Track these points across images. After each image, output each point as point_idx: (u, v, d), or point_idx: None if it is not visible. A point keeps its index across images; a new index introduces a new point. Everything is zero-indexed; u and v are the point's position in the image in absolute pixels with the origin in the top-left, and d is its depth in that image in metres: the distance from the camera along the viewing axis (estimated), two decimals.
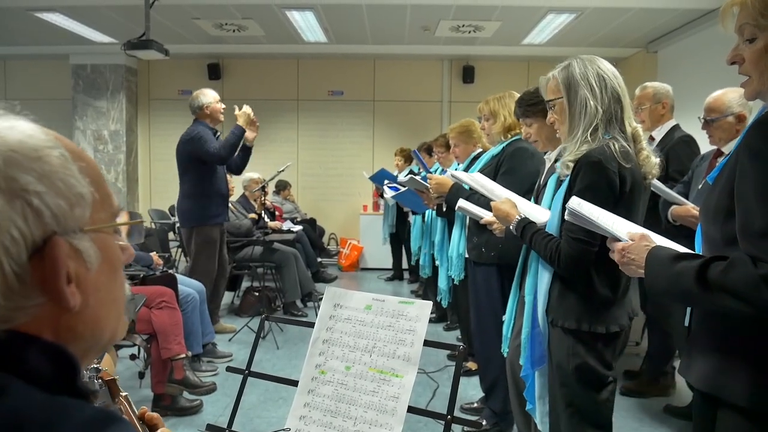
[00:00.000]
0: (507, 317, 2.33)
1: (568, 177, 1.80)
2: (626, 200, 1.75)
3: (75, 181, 0.60)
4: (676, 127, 3.38)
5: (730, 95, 2.79)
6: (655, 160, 1.82)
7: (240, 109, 4.35)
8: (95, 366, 0.97)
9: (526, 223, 1.94)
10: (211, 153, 4.22)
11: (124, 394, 0.94)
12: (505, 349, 2.37)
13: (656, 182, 2.78)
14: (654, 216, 2.91)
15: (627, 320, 1.83)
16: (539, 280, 1.88)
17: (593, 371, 1.79)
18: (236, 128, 4.29)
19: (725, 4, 1.22)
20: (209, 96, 4.39)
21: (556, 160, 2.25)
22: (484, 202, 2.59)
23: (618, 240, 1.41)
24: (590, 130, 1.78)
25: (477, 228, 2.67)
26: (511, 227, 1.99)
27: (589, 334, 1.77)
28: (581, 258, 1.73)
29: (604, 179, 1.71)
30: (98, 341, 0.64)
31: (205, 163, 4.30)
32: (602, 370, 1.80)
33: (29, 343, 0.56)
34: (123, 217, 0.70)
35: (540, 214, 1.99)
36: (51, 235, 0.57)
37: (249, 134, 4.40)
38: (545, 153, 2.41)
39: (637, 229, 1.43)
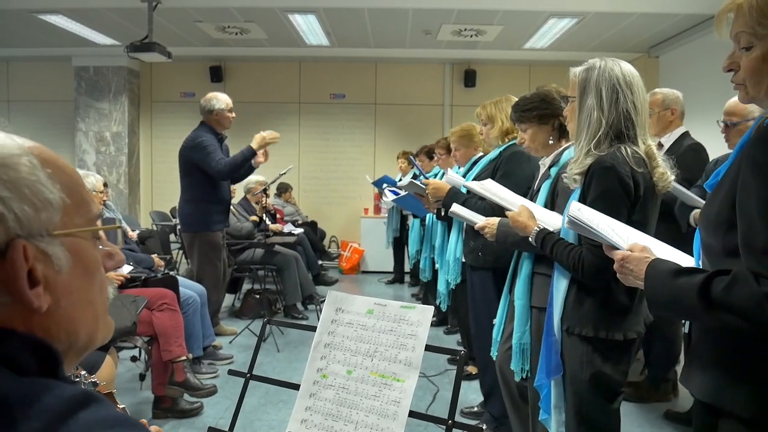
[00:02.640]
0: (497, 322, 2.33)
1: (579, 187, 1.77)
2: (641, 205, 1.73)
3: (43, 187, 0.61)
4: (685, 134, 3.36)
5: None
6: (671, 177, 1.78)
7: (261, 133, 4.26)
8: (93, 380, 0.98)
9: (545, 234, 1.90)
10: (213, 167, 4.16)
11: (121, 406, 0.94)
12: (494, 353, 2.36)
13: (677, 186, 2.77)
14: (671, 221, 2.90)
15: (643, 327, 1.81)
16: (555, 289, 1.85)
17: (609, 380, 1.77)
18: (247, 149, 4.20)
19: (720, 11, 1.21)
20: (222, 102, 4.33)
21: (550, 166, 2.25)
22: (482, 206, 2.59)
23: (615, 248, 1.39)
24: (593, 143, 1.74)
25: (474, 232, 2.68)
26: (530, 239, 1.95)
27: (606, 342, 1.75)
28: (605, 265, 1.70)
29: (619, 184, 1.68)
30: (74, 343, 0.65)
31: None
32: (618, 378, 1.78)
33: (7, 335, 0.58)
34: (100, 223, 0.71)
35: (555, 220, 1.98)
36: (13, 239, 0.58)
37: (259, 158, 4.33)
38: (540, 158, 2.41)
39: (639, 238, 1.41)
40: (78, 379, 0.95)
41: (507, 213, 2.10)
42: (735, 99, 2.82)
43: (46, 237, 0.61)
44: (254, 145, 4.21)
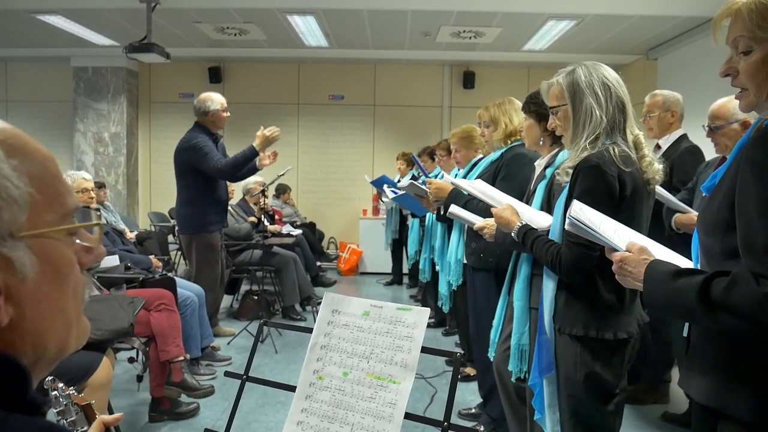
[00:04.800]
0: (495, 323, 2.33)
1: (568, 183, 1.79)
2: (627, 205, 1.73)
3: (6, 181, 0.53)
4: (683, 137, 3.37)
5: (734, 102, 2.77)
6: (658, 166, 1.81)
7: (263, 130, 4.19)
8: (69, 393, 0.94)
9: (527, 230, 1.93)
10: (212, 168, 4.11)
11: (99, 416, 0.91)
12: (491, 354, 2.36)
13: (659, 189, 2.78)
14: (657, 223, 2.91)
15: (636, 327, 1.81)
16: (545, 288, 1.87)
17: (602, 381, 1.77)
18: (249, 149, 4.14)
19: (716, 16, 1.20)
20: (217, 102, 4.28)
21: (546, 167, 2.26)
22: (483, 207, 2.60)
23: (616, 250, 1.39)
24: (591, 138, 1.78)
25: (475, 234, 2.68)
26: (512, 234, 1.98)
27: (596, 341, 1.75)
28: (582, 263, 1.72)
29: (603, 183, 1.70)
30: (42, 355, 0.57)
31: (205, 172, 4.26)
32: (611, 379, 1.78)
33: None
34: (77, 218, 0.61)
35: (542, 219, 1.99)
36: None
37: (264, 161, 4.26)
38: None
39: (638, 240, 1.41)
40: (54, 393, 0.90)
41: (491, 210, 2.11)
42: (718, 102, 2.83)
43: (9, 240, 0.52)
44: (257, 144, 4.15)
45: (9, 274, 0.52)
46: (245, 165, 4.21)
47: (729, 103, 2.78)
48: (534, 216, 2.02)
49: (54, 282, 0.57)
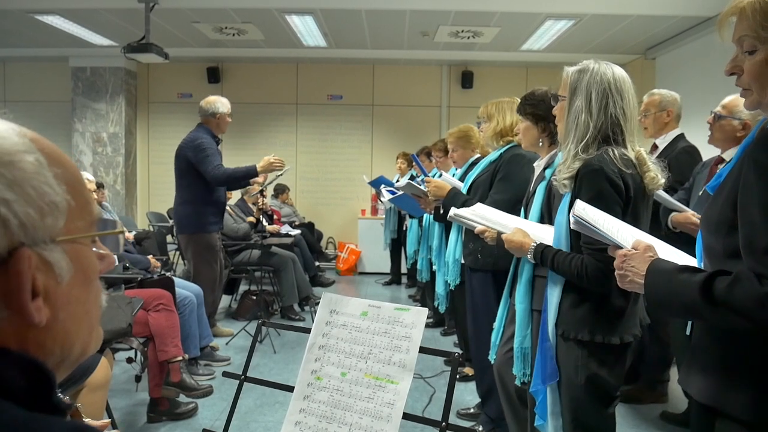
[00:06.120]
0: (496, 325, 2.32)
1: (569, 192, 1.76)
2: (632, 205, 1.71)
3: (49, 188, 0.56)
4: (680, 137, 3.38)
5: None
6: (662, 180, 1.77)
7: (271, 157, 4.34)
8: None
9: (543, 248, 1.87)
10: (210, 172, 4.18)
11: (87, 420, 0.91)
12: (492, 356, 2.36)
13: (660, 192, 2.78)
14: (655, 221, 2.92)
15: (639, 329, 1.80)
16: (549, 294, 1.83)
17: (604, 384, 1.75)
18: (252, 168, 4.27)
19: (722, 14, 1.20)
20: (225, 106, 4.40)
21: (545, 168, 2.25)
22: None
23: (620, 248, 1.37)
24: (581, 146, 1.74)
25: (473, 234, 2.67)
26: (528, 256, 1.93)
27: (602, 346, 1.73)
28: (610, 269, 1.69)
29: (609, 186, 1.67)
30: (67, 356, 0.61)
31: None
32: (613, 382, 1.77)
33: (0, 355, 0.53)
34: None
35: (550, 234, 1.95)
36: (18, 247, 0.53)
37: (258, 179, 4.45)
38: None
39: (644, 238, 1.40)
40: None
41: (502, 237, 2.07)
42: (733, 96, 2.83)
43: (49, 244, 0.56)
44: (260, 166, 4.27)
45: (48, 277, 0.56)
46: (240, 181, 4.36)
47: (739, 99, 2.78)
48: (541, 233, 1.98)
49: (83, 286, 0.61)
